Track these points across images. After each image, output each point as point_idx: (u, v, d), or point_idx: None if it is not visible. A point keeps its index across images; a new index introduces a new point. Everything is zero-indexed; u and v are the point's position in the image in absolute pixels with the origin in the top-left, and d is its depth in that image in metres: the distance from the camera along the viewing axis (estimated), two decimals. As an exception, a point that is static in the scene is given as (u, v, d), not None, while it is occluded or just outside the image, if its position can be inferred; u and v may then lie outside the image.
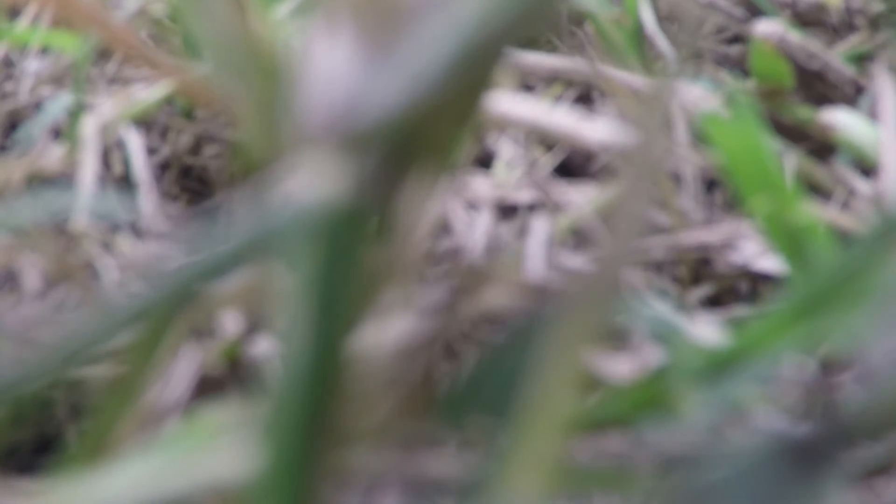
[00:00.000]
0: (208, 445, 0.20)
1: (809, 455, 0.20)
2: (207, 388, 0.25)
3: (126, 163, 0.34)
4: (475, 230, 0.27)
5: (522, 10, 0.17)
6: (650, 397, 0.21)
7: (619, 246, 0.18)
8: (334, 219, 0.16)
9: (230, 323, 0.26)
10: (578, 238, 0.30)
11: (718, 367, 0.21)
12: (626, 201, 0.18)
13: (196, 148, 0.36)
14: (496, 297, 0.24)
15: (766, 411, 0.22)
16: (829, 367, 0.21)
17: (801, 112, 0.36)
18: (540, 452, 0.18)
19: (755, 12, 0.39)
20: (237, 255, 0.18)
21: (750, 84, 0.36)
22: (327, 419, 0.17)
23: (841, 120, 0.33)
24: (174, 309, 0.19)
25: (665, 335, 0.25)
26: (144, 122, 0.35)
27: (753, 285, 0.30)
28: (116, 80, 0.37)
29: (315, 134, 0.17)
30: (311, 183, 0.16)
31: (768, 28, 0.35)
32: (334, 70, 0.17)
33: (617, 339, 0.26)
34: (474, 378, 0.23)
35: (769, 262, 0.29)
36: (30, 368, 0.19)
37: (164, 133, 0.36)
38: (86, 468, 0.20)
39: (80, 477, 0.20)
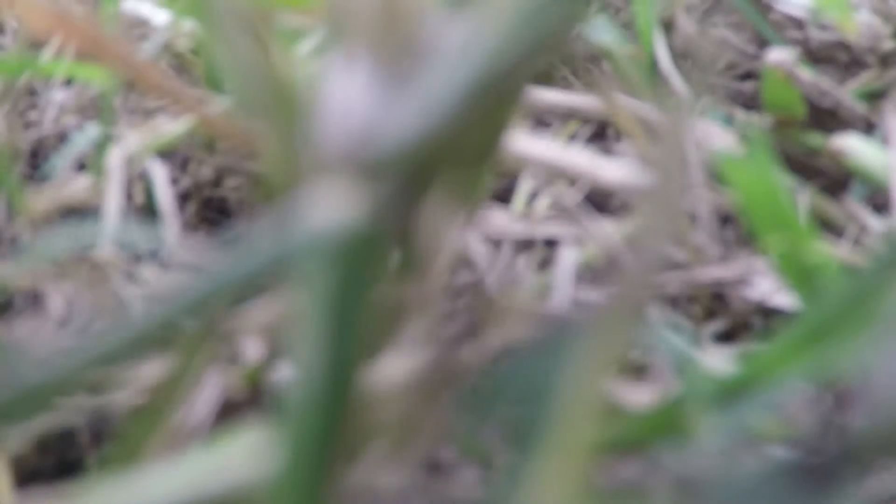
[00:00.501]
0: (230, 466, 0.20)
1: (821, 479, 0.21)
2: (230, 412, 0.26)
3: (149, 193, 0.34)
4: (495, 264, 0.28)
5: (536, 45, 0.17)
6: (666, 423, 0.22)
7: (639, 279, 0.18)
8: (351, 243, 0.17)
9: (252, 349, 0.26)
10: (598, 273, 0.30)
11: (730, 394, 0.22)
12: (646, 238, 0.18)
13: (217, 179, 0.36)
14: (515, 330, 0.24)
15: (778, 436, 0.22)
16: (837, 393, 0.21)
17: (813, 141, 0.36)
18: (562, 476, 0.19)
19: (767, 48, 0.40)
20: (256, 278, 0.18)
21: (763, 119, 0.36)
22: (339, 439, 0.18)
23: (853, 146, 0.33)
24: (199, 334, 0.20)
25: (680, 366, 0.25)
26: (167, 154, 0.36)
27: (767, 321, 0.31)
28: (140, 112, 0.38)
29: (333, 162, 0.17)
30: (328, 209, 0.17)
31: (779, 56, 0.35)
32: (352, 100, 0.17)
33: (635, 369, 0.26)
34: (490, 399, 0.23)
35: (783, 299, 0.29)
36: (52, 385, 0.19)
37: (185, 164, 0.36)
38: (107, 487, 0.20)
39: (105, 488, 0.20)
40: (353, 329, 0.17)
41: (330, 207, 0.17)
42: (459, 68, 0.17)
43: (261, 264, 0.18)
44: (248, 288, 0.18)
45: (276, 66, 0.25)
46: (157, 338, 0.19)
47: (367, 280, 0.17)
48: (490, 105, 0.18)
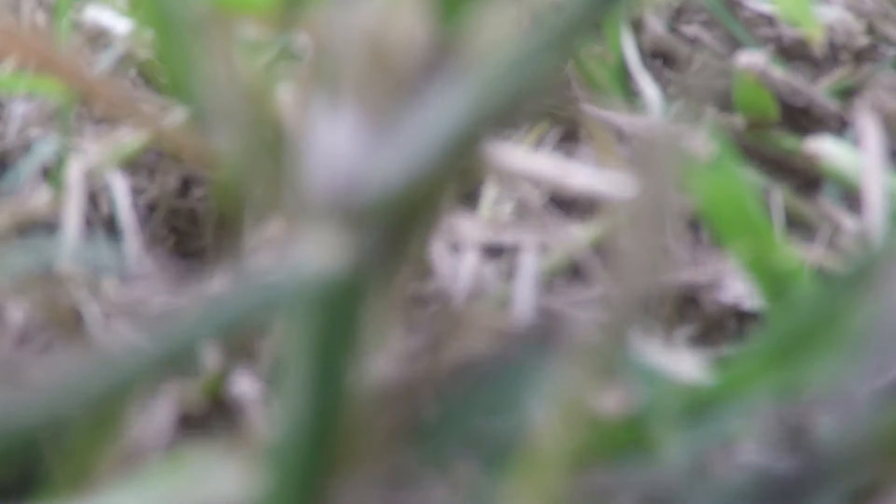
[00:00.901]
0: (188, 482, 0.20)
1: (792, 492, 0.20)
2: (188, 425, 0.25)
3: (113, 205, 0.34)
4: (460, 272, 0.27)
5: (521, 93, 0.18)
6: (632, 436, 0.21)
7: (628, 292, 0.18)
8: (335, 291, 0.17)
9: (210, 359, 0.26)
10: (568, 277, 0.30)
11: (699, 405, 0.21)
12: (633, 247, 0.18)
13: (183, 190, 0.36)
14: (479, 342, 0.24)
15: (748, 449, 0.22)
16: (809, 405, 0.21)
17: (787, 142, 0.36)
18: (537, 491, 0.19)
19: (739, 47, 0.39)
20: (236, 319, 0.18)
21: (734, 119, 0.36)
22: (323, 476, 0.18)
23: (827, 149, 0.33)
24: (165, 365, 0.20)
25: (649, 374, 0.25)
26: (131, 164, 0.35)
27: (741, 324, 0.30)
28: (104, 122, 0.37)
29: (318, 207, 0.17)
30: (313, 254, 0.17)
31: (750, 59, 0.35)
32: (337, 146, 0.17)
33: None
34: (456, 416, 0.23)
35: (757, 302, 0.29)
36: (15, 411, 0.19)
37: (151, 174, 0.36)
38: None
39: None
40: (339, 374, 0.18)
41: (314, 253, 0.17)
42: (444, 117, 0.17)
43: (245, 309, 0.18)
44: (230, 327, 0.18)
45: (242, 74, 0.24)
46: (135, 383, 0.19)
47: (353, 326, 0.18)
48: (474, 150, 0.18)
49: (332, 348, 0.18)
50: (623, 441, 0.22)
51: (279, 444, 0.18)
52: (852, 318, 0.20)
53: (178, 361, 0.19)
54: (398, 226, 0.18)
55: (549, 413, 0.19)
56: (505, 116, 0.18)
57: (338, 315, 0.17)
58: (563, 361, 0.19)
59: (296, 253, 0.17)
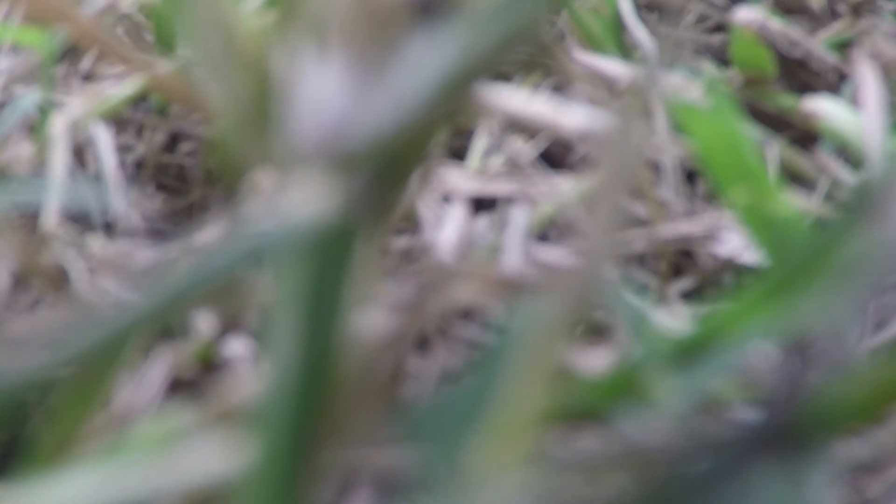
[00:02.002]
0: (176, 446, 0.20)
1: (786, 444, 0.20)
2: (179, 389, 0.25)
3: (98, 162, 0.33)
4: (449, 224, 0.27)
5: (507, 39, 0.17)
6: (622, 388, 0.21)
7: (597, 238, 0.18)
8: (325, 236, 0.17)
9: (203, 323, 0.26)
10: (558, 229, 0.29)
11: (689, 353, 0.21)
12: (605, 192, 0.18)
13: (171, 145, 0.35)
14: (468, 293, 0.23)
15: (740, 398, 0.22)
16: (801, 349, 0.20)
17: (784, 100, 0.35)
18: (510, 445, 0.18)
19: (737, 0, 0.39)
20: (226, 269, 0.18)
21: (731, 73, 0.36)
22: (315, 425, 0.18)
23: (824, 108, 0.32)
24: (154, 319, 0.19)
25: (640, 327, 0.24)
26: (118, 121, 0.35)
27: (738, 278, 0.30)
28: (90, 78, 0.37)
29: (306, 154, 0.17)
30: (302, 201, 0.17)
31: (748, 15, 0.34)
32: (325, 93, 0.17)
33: (594, 332, 0.25)
34: (448, 377, 0.23)
35: (754, 254, 0.29)
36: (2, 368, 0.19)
37: (138, 131, 0.35)
38: (47, 470, 0.20)
39: (40, 478, 0.19)
40: (329, 322, 0.17)
41: (304, 200, 0.17)
42: (432, 62, 0.17)
43: (235, 258, 0.18)
44: (219, 275, 0.18)
45: (232, 21, 0.24)
46: (125, 335, 0.19)
47: (342, 272, 0.17)
48: (461, 97, 0.18)
49: (323, 294, 0.17)
50: (611, 394, 0.21)
51: (269, 395, 0.18)
52: (842, 259, 0.20)
53: (168, 315, 0.19)
54: (387, 172, 0.18)
55: (520, 366, 0.19)
56: (493, 62, 0.18)
57: (328, 260, 0.17)
58: (534, 313, 0.19)
59: (285, 200, 0.17)
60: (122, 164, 0.34)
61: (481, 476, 0.18)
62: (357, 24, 0.17)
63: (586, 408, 0.21)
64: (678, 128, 0.31)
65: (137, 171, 0.35)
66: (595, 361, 0.23)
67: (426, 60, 0.17)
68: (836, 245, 0.20)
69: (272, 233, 0.18)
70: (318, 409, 0.18)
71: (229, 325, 0.26)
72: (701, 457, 0.20)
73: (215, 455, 0.19)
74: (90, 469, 0.19)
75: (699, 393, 0.21)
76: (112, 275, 0.28)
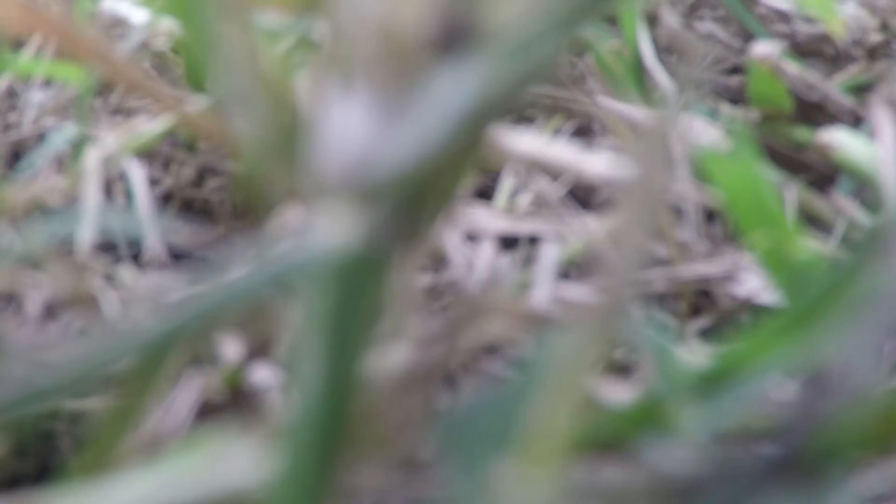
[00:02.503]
0: (208, 466, 0.20)
1: (804, 474, 0.20)
2: (208, 414, 0.25)
3: (129, 194, 0.34)
4: (477, 261, 0.27)
5: (527, 75, 0.18)
6: (645, 418, 0.22)
7: (620, 276, 0.18)
8: (349, 266, 0.17)
9: (231, 349, 0.26)
10: (582, 270, 0.30)
11: (709, 385, 0.21)
12: (627, 232, 0.18)
13: (199, 180, 0.36)
14: (496, 328, 0.24)
15: (760, 429, 0.22)
16: (816, 381, 0.21)
17: (800, 134, 0.35)
18: (538, 474, 0.19)
19: (753, 42, 0.39)
20: (252, 295, 0.19)
21: (748, 112, 0.36)
22: (338, 448, 0.18)
23: (841, 140, 0.32)
24: (181, 340, 0.20)
25: (662, 363, 0.25)
26: (147, 154, 0.35)
27: (755, 319, 0.30)
28: (120, 112, 0.37)
29: (332, 186, 0.18)
30: (327, 231, 0.17)
31: (765, 49, 0.35)
32: (350, 126, 0.18)
33: (618, 368, 0.26)
34: (476, 407, 0.23)
35: (771, 296, 0.29)
36: (33, 390, 0.19)
37: (166, 165, 0.36)
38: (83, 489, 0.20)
39: (77, 491, 0.20)
40: (353, 350, 0.18)
41: (329, 230, 0.17)
42: (454, 98, 0.17)
43: (260, 284, 0.18)
44: (243, 301, 0.19)
45: (263, 61, 0.25)
46: (146, 349, 0.19)
47: (366, 301, 0.18)
48: (483, 132, 0.18)
49: (348, 324, 0.18)
50: (634, 424, 0.22)
51: (294, 422, 0.18)
52: (862, 292, 0.20)
53: (195, 337, 0.19)
54: (411, 204, 0.18)
55: (547, 395, 0.19)
56: (514, 98, 0.18)
57: (353, 290, 0.18)
58: (559, 347, 0.19)
59: (310, 230, 0.18)
60: (149, 197, 0.34)
61: (507, 501, 0.19)
62: (381, 60, 0.18)
63: (611, 438, 0.21)
64: (699, 171, 0.31)
65: (165, 205, 0.35)
66: (619, 394, 0.23)
67: (448, 96, 0.18)
68: (850, 281, 0.20)
69: (298, 261, 0.18)
70: (341, 432, 0.18)
71: (256, 352, 0.26)
72: (719, 485, 0.21)
73: (243, 473, 0.20)
74: (122, 483, 0.20)
75: (720, 423, 0.21)
76: (142, 304, 0.28)
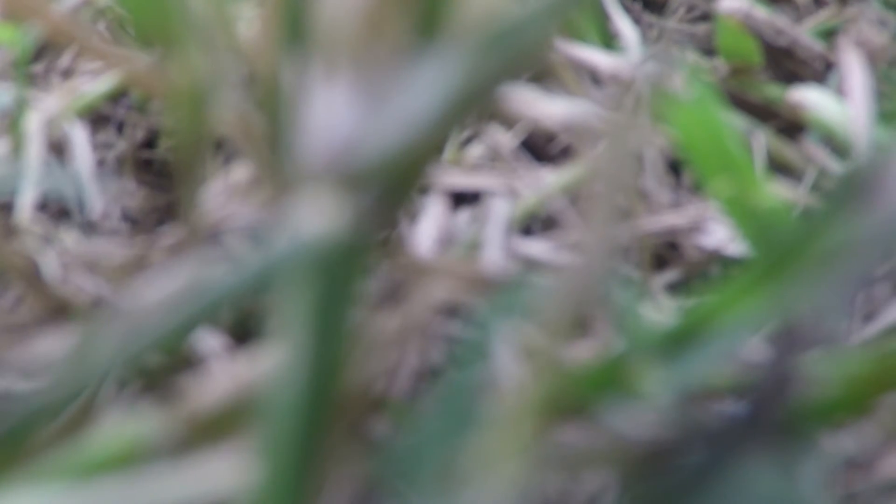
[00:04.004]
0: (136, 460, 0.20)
1: (778, 437, 0.20)
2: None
3: (74, 158, 0.33)
4: (426, 218, 0.26)
5: (508, 62, 0.18)
6: (608, 380, 0.21)
7: (597, 233, 0.18)
8: (333, 252, 0.18)
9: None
10: (540, 222, 0.29)
11: (675, 344, 0.21)
12: (602, 186, 0.18)
13: (151, 141, 0.35)
14: (448, 289, 0.23)
15: (728, 388, 0.21)
16: (787, 338, 0.20)
17: (770, 91, 0.35)
18: (506, 441, 0.19)
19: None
20: (237, 288, 0.19)
21: (717, 63, 0.35)
22: (322, 446, 0.18)
23: (810, 98, 0.32)
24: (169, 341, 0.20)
25: (626, 319, 0.24)
26: (98, 118, 0.35)
27: (724, 270, 0.29)
28: (70, 75, 0.36)
29: (315, 172, 0.18)
30: (311, 218, 0.17)
31: (734, 4, 0.34)
32: (333, 113, 0.18)
33: (577, 325, 0.25)
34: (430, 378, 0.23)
35: (740, 246, 0.28)
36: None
37: (119, 128, 0.35)
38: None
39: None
40: (337, 336, 0.18)
41: (313, 217, 0.17)
42: (436, 83, 0.18)
43: (246, 275, 0.18)
44: (232, 296, 0.19)
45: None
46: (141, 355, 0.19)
47: (351, 286, 0.18)
48: (463, 116, 0.19)
49: (332, 307, 0.18)
50: (597, 386, 0.21)
51: (276, 407, 0.18)
52: (827, 245, 0.19)
53: (173, 343, 0.19)
54: (392, 189, 0.18)
55: (517, 363, 0.19)
56: (499, 82, 0.18)
57: (337, 274, 0.18)
58: (531, 309, 0.19)
59: (292, 217, 0.18)
60: (102, 160, 0.34)
61: (471, 473, 0.18)
62: (363, 46, 0.18)
63: (572, 401, 0.21)
64: (661, 118, 0.30)
65: (118, 168, 0.34)
66: (579, 354, 0.22)
67: (431, 81, 0.18)
68: (821, 232, 0.20)
69: (281, 248, 0.18)
70: (325, 426, 0.18)
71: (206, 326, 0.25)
72: (690, 449, 0.20)
73: (218, 473, 0.19)
74: (50, 483, 0.19)
75: (687, 384, 0.21)
76: (86, 270, 0.28)
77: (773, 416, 0.20)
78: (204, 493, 0.19)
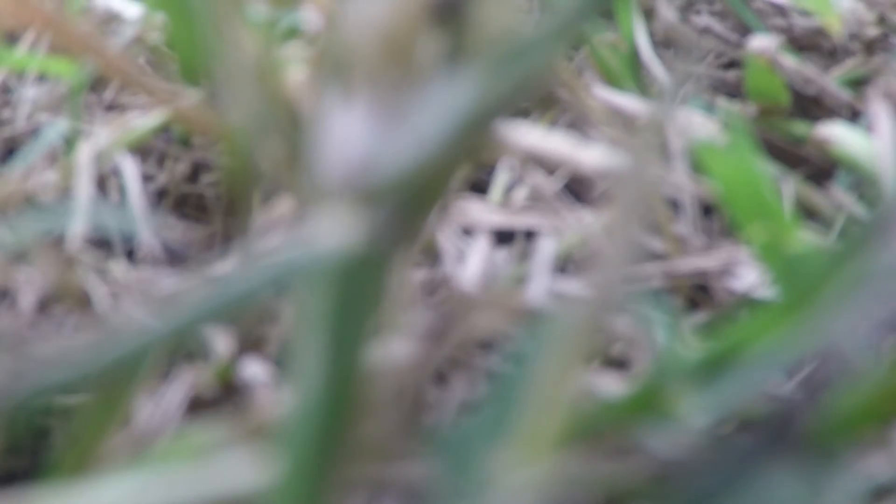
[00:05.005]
0: (196, 463, 0.20)
1: (806, 454, 0.20)
2: (199, 408, 0.25)
3: (122, 190, 0.33)
4: (472, 256, 0.27)
5: (525, 79, 0.18)
6: (643, 406, 0.21)
7: (612, 269, 0.18)
8: (350, 266, 0.18)
9: (221, 344, 0.26)
10: (579, 263, 0.30)
11: (707, 371, 0.21)
12: (620, 225, 0.18)
13: (193, 176, 0.36)
14: (490, 323, 0.24)
15: (758, 415, 0.22)
16: (815, 365, 0.21)
17: (798, 129, 0.35)
18: (533, 462, 0.19)
19: (750, 36, 0.39)
20: (251, 294, 0.19)
21: (746, 106, 0.36)
22: (338, 446, 0.18)
23: (838, 134, 0.32)
24: (180, 340, 0.20)
25: (660, 350, 0.25)
26: (141, 150, 0.35)
27: (753, 313, 0.30)
28: (114, 108, 0.37)
29: (333, 188, 0.18)
30: (328, 232, 0.18)
31: (762, 43, 0.35)
32: (351, 131, 0.18)
33: (616, 362, 0.25)
34: (470, 402, 0.23)
35: (768, 290, 0.29)
36: (27, 386, 0.19)
37: (160, 161, 0.36)
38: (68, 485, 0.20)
39: (64, 491, 0.19)
40: (353, 347, 0.18)
41: (330, 232, 0.18)
42: (452, 102, 0.18)
43: (260, 283, 0.19)
44: (246, 303, 0.19)
45: (248, 54, 0.25)
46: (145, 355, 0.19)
47: (367, 301, 0.18)
48: (481, 135, 0.19)
49: (348, 320, 0.18)
50: (633, 412, 0.22)
51: (294, 416, 0.18)
52: (859, 275, 0.20)
53: (187, 338, 0.19)
54: (409, 205, 0.18)
55: (539, 388, 0.19)
56: (512, 101, 0.18)
57: (355, 290, 0.18)
58: (552, 339, 0.19)
59: (310, 232, 0.18)
60: (144, 193, 0.34)
61: (502, 490, 0.19)
62: (381, 65, 0.18)
63: (609, 427, 0.21)
64: (696, 164, 0.31)
65: (159, 201, 0.35)
66: (616, 386, 0.23)
67: (447, 100, 0.18)
68: (845, 266, 0.20)
69: (297, 262, 0.18)
70: (341, 430, 0.18)
71: (247, 347, 0.26)
72: (717, 469, 0.20)
73: (239, 472, 0.20)
74: (115, 480, 0.20)
75: (718, 411, 0.21)
76: (134, 299, 0.28)
77: (798, 432, 0.21)
78: (228, 490, 0.19)
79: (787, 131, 0.35)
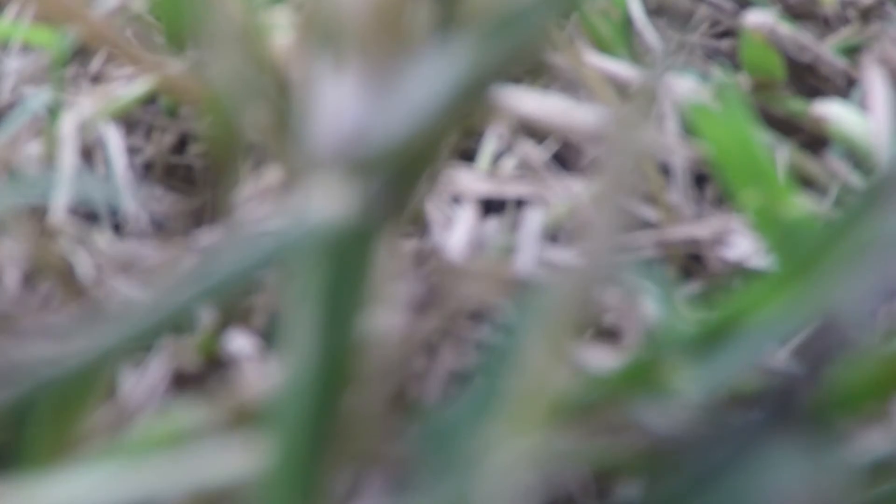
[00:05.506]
0: (184, 444, 0.20)
1: (803, 433, 0.20)
2: (183, 383, 0.25)
3: (108, 162, 0.33)
4: (459, 225, 0.27)
5: (514, 51, 0.18)
6: (637, 379, 0.21)
7: (602, 236, 0.18)
8: (343, 237, 0.18)
9: (205, 315, 0.25)
10: (567, 233, 0.29)
11: (704, 345, 0.21)
12: (609, 192, 0.18)
13: (180, 147, 0.35)
14: (479, 294, 0.23)
15: (755, 388, 0.22)
16: (815, 336, 0.20)
17: (793, 105, 0.35)
18: (525, 436, 0.19)
19: (746, 5, 0.39)
20: (244, 270, 0.19)
21: (741, 77, 0.36)
22: (331, 423, 0.18)
23: (833, 112, 0.32)
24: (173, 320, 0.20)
25: (653, 328, 0.24)
26: (128, 122, 0.35)
27: (748, 282, 0.30)
28: (99, 79, 0.37)
29: (325, 159, 0.18)
30: (320, 204, 0.18)
31: (758, 19, 0.34)
32: (342, 102, 0.18)
33: (608, 333, 0.25)
34: (460, 375, 0.23)
35: (763, 259, 0.29)
36: (16, 366, 0.19)
37: (147, 133, 0.35)
38: (48, 468, 0.19)
39: (41, 476, 0.19)
40: (347, 321, 0.18)
41: (322, 203, 0.17)
42: (444, 71, 0.18)
43: (256, 258, 0.19)
44: (239, 280, 0.19)
45: (234, 19, 0.24)
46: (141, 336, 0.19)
47: (360, 272, 0.18)
48: (472, 105, 0.19)
49: (341, 293, 0.18)
50: (630, 383, 0.21)
51: (285, 393, 0.18)
52: (857, 241, 0.20)
53: (178, 319, 0.19)
54: (401, 176, 0.18)
55: (529, 360, 0.19)
56: (504, 70, 0.18)
57: (346, 260, 0.18)
58: (542, 309, 0.19)
59: (300, 203, 0.18)
60: (130, 164, 0.34)
61: (491, 466, 0.19)
62: (372, 35, 0.18)
63: (602, 401, 0.21)
64: (688, 131, 0.31)
65: (146, 172, 0.35)
66: (608, 359, 0.23)
67: (438, 69, 0.18)
68: (844, 236, 0.20)
69: (291, 234, 0.18)
70: (334, 408, 0.18)
71: (232, 319, 0.26)
72: (715, 445, 0.20)
73: (227, 454, 0.19)
74: (94, 466, 0.19)
75: (716, 383, 0.21)
76: (119, 272, 0.28)
77: (798, 406, 0.20)
78: (210, 475, 0.19)
79: (783, 105, 0.35)
